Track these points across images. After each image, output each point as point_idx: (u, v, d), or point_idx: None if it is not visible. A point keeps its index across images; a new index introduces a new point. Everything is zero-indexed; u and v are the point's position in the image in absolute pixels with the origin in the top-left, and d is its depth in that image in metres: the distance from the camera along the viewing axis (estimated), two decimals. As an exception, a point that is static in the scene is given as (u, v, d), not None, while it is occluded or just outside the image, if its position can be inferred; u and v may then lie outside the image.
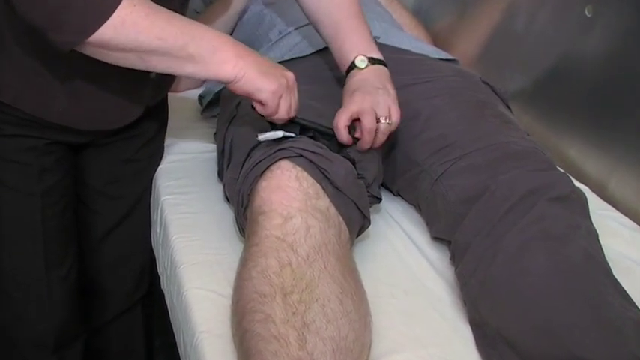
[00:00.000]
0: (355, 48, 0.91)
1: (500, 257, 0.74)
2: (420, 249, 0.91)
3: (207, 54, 0.74)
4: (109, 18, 0.68)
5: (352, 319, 0.68)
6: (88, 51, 0.72)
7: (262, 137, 0.79)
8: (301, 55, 1.09)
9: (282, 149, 0.78)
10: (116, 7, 0.68)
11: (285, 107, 0.79)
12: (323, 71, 1.05)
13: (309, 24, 1.14)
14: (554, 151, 1.13)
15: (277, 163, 0.77)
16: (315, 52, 1.09)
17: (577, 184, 0.91)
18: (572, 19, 1.14)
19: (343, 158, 0.82)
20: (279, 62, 1.07)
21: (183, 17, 0.75)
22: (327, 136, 0.84)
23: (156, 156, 1.08)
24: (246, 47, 0.78)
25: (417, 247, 0.91)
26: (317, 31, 0.97)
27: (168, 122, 1.10)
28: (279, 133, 0.79)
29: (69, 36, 0.70)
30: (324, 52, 1.08)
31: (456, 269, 0.81)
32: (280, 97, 0.78)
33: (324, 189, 0.77)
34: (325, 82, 1.03)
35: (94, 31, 0.68)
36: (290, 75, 0.80)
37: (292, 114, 0.81)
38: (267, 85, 0.76)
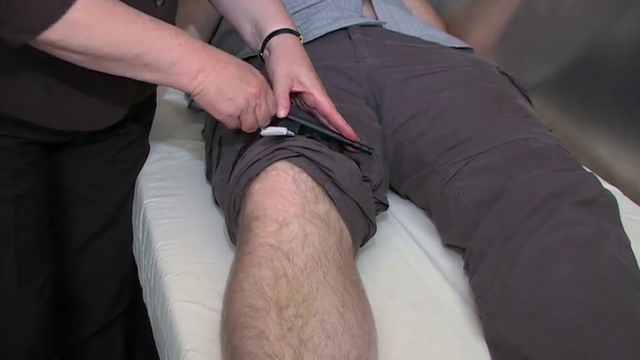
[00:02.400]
0: (286, 15, 0.92)
1: (519, 267, 0.74)
2: (431, 257, 0.92)
3: (165, 65, 0.76)
4: (58, 19, 0.69)
5: (354, 335, 0.68)
6: (39, 47, 0.73)
7: (265, 132, 0.81)
8: (299, 42, 1.10)
9: (281, 148, 0.79)
10: (68, 8, 0.69)
11: (248, 123, 0.81)
12: (324, 61, 1.05)
13: (308, 7, 1.14)
14: (581, 148, 1.14)
15: (273, 164, 0.78)
16: (315, 40, 1.09)
17: (606, 185, 0.92)
18: (602, 0, 1.14)
19: (346, 157, 0.83)
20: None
21: (150, 21, 0.75)
22: (325, 136, 0.85)
23: (141, 157, 1.09)
24: (218, 55, 0.79)
25: (426, 256, 0.92)
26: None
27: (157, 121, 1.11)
28: (283, 130, 0.80)
29: (16, 33, 0.71)
30: (326, 39, 1.09)
31: (470, 280, 0.82)
32: (239, 116, 0.81)
33: (326, 191, 0.78)
34: (326, 73, 1.03)
35: (42, 31, 0.70)
36: (258, 84, 0.80)
37: (262, 123, 0.82)
38: (224, 108, 0.79)
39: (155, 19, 0.76)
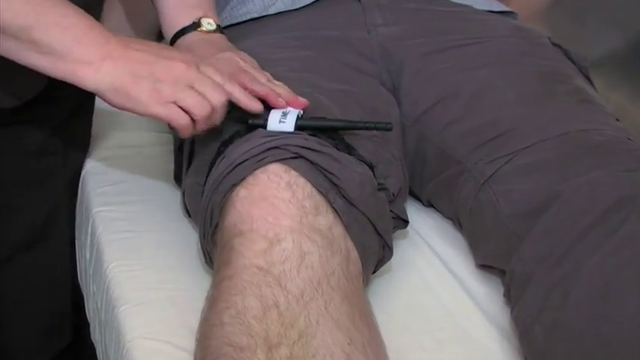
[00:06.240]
0: (200, 4, 0.96)
1: (576, 295, 0.75)
2: (461, 282, 0.93)
3: (61, 46, 0.76)
4: None
5: (365, 382, 0.69)
6: None
7: (271, 128, 0.82)
8: (293, 7, 1.11)
9: (274, 148, 0.79)
10: None
11: (190, 102, 0.80)
12: (326, 30, 1.07)
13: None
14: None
15: (264, 167, 0.78)
16: (313, 3, 1.10)
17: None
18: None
19: (357, 160, 0.83)
20: (259, 18, 1.09)
21: None
22: (326, 128, 0.85)
23: (76, 146, 1.09)
24: (130, 41, 0.80)
25: (455, 280, 0.93)
26: None
27: (102, 102, 1.11)
28: (288, 126, 0.81)
29: None
30: (328, 2, 1.10)
31: (512, 311, 0.83)
32: (175, 102, 0.80)
33: (330, 202, 0.78)
34: (329, 45, 1.05)
35: None
36: (184, 58, 0.81)
37: (215, 99, 0.81)
38: (143, 93, 0.78)
39: None
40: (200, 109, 0.80)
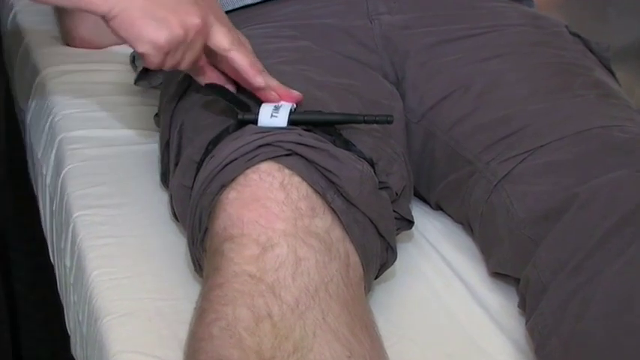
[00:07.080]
0: None
1: (596, 306, 0.75)
2: (471, 290, 0.93)
3: None
4: None
5: (366, 399, 0.70)
6: None
7: (262, 123, 0.82)
8: (289, -7, 1.11)
9: (265, 145, 0.79)
10: None
11: (171, 63, 0.84)
12: (324, 19, 1.07)
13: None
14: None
15: (255, 166, 0.78)
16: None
17: None
18: None
19: (356, 157, 0.83)
20: (254, 5, 1.10)
21: None
22: (327, 125, 0.85)
23: None
24: None
25: (465, 287, 0.93)
26: None
27: (82, 98, 1.11)
28: (281, 121, 0.81)
29: None
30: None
31: (527, 323, 0.83)
32: (167, 54, 0.83)
33: (328, 202, 0.78)
34: (328, 35, 1.05)
35: None
36: (202, 15, 0.83)
37: (185, 66, 0.85)
38: (151, 34, 0.81)
39: None
40: (177, 67, 0.85)
